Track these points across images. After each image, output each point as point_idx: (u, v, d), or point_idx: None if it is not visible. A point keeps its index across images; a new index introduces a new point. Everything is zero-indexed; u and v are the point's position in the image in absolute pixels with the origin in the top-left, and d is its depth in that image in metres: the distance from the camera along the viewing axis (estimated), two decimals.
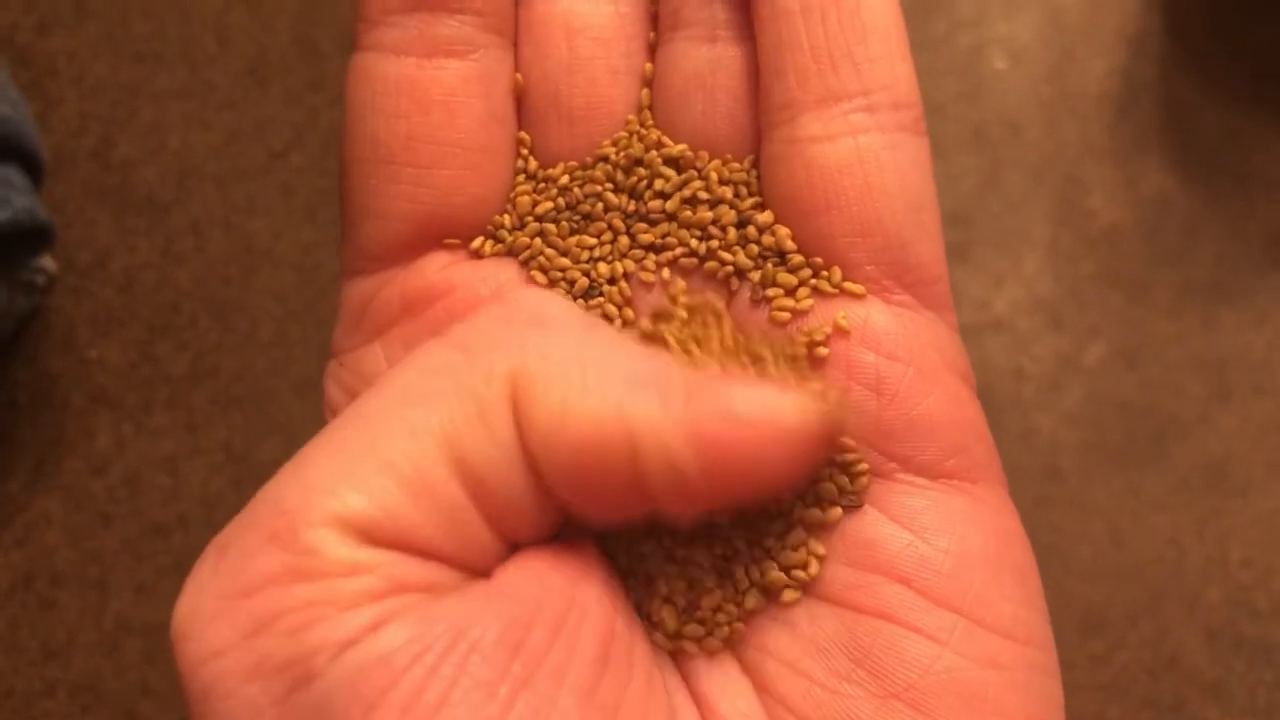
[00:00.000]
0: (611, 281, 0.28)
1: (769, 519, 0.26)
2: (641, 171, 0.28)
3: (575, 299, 0.28)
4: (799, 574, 0.25)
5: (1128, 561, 0.71)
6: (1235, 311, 0.74)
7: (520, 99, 0.28)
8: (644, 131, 0.28)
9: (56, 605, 0.73)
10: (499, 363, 0.23)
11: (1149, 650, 0.70)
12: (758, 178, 0.27)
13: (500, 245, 0.28)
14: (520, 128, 0.29)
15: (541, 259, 0.28)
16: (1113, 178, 0.76)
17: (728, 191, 0.27)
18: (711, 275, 0.27)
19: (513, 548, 0.24)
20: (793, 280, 0.26)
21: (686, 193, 0.27)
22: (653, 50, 0.28)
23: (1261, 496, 0.72)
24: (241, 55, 0.81)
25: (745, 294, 0.27)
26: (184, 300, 0.77)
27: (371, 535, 0.22)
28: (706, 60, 0.27)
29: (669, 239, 0.28)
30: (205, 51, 0.81)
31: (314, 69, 0.81)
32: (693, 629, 0.26)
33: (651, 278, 0.28)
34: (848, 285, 0.26)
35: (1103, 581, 0.71)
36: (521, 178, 0.28)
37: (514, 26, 0.28)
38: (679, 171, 0.28)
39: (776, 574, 0.25)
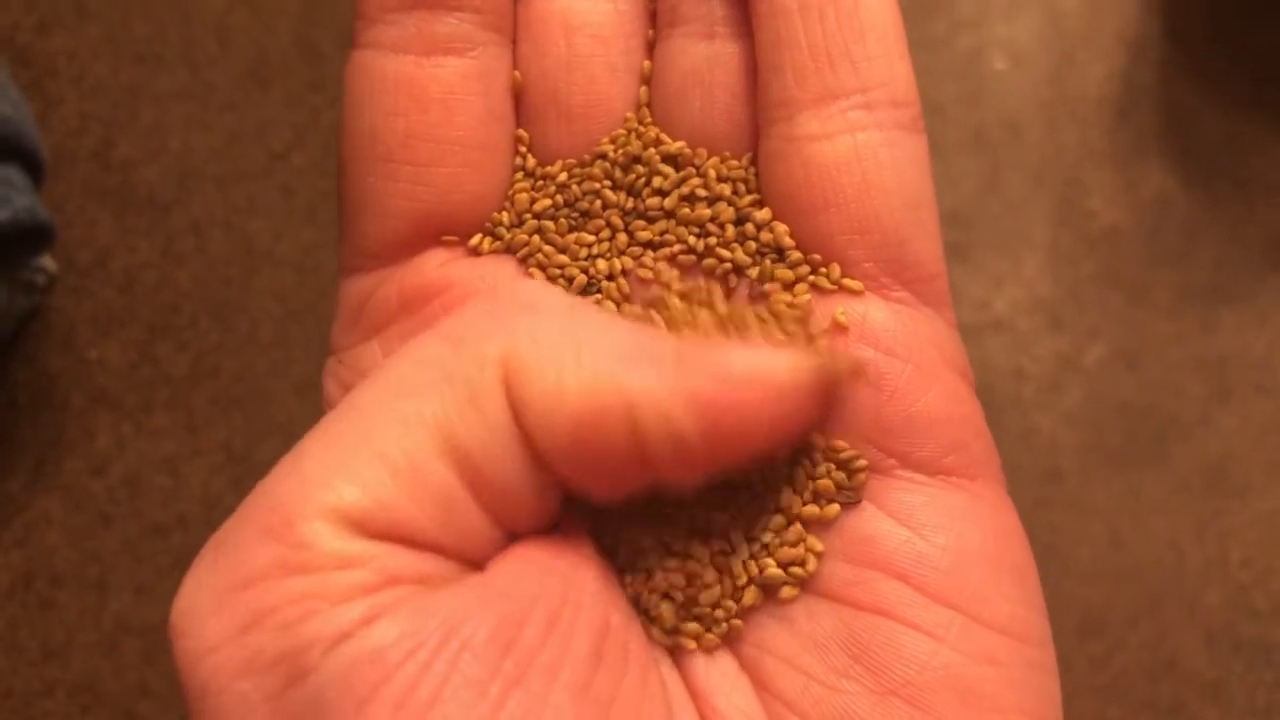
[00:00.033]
0: (610, 278, 0.28)
1: (767, 515, 0.26)
2: (640, 169, 0.28)
3: None
4: (797, 570, 0.25)
5: (1127, 563, 0.71)
6: (1235, 313, 0.74)
7: (519, 96, 0.28)
8: (642, 129, 0.28)
9: (56, 605, 0.73)
10: (490, 349, 0.23)
11: (1148, 652, 0.70)
12: (756, 175, 0.27)
13: (498, 243, 0.28)
14: (519, 125, 0.29)
15: (540, 256, 0.28)
16: (1113, 180, 0.76)
17: (726, 189, 0.27)
18: (710, 272, 0.27)
19: (510, 538, 0.24)
20: (790, 276, 0.27)
21: (685, 190, 0.28)
22: (651, 47, 0.28)
23: (1261, 498, 0.72)
24: (242, 56, 0.81)
25: (743, 291, 0.27)
26: (184, 301, 0.77)
27: (366, 527, 0.22)
28: (705, 57, 0.27)
29: (667, 236, 0.28)
30: (206, 52, 0.81)
31: (315, 70, 0.81)
32: (691, 625, 0.26)
33: (650, 274, 0.28)
34: (846, 282, 0.26)
35: (1102, 583, 0.71)
36: (520, 175, 0.28)
37: (512, 24, 0.28)
38: (677, 169, 0.28)
39: (775, 570, 0.26)
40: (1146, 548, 0.71)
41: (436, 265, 0.28)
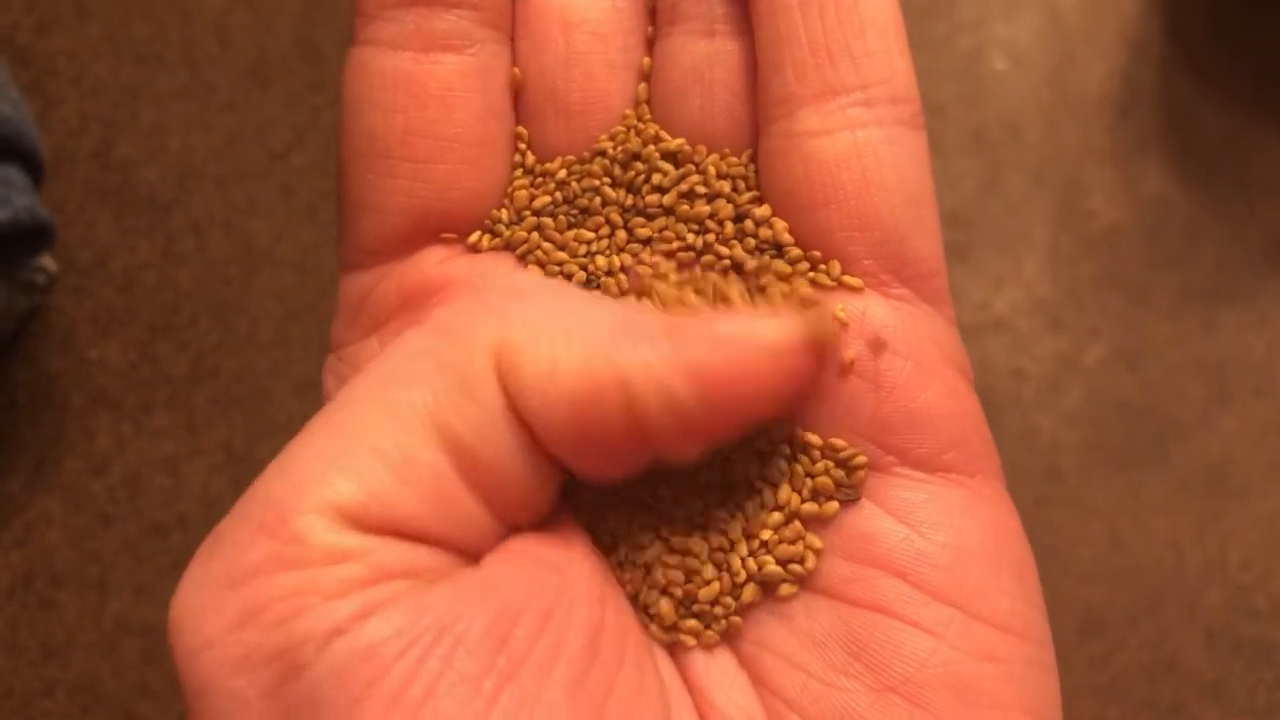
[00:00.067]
0: (609, 275, 0.28)
1: (766, 512, 0.26)
2: (639, 166, 0.28)
3: None
4: (796, 568, 0.25)
5: (1127, 563, 0.71)
6: (1235, 313, 0.74)
7: (518, 94, 0.28)
8: (642, 126, 0.28)
9: (56, 605, 0.73)
10: (480, 337, 0.23)
11: (1148, 652, 0.70)
12: (756, 172, 0.27)
13: (497, 240, 0.28)
14: (518, 122, 0.29)
15: (539, 253, 0.28)
16: (1113, 180, 0.76)
17: (725, 186, 0.27)
18: (708, 269, 0.27)
19: (507, 528, 0.24)
20: (788, 271, 0.27)
21: (684, 187, 0.28)
22: (650, 45, 0.28)
23: (1261, 498, 0.72)
24: (242, 56, 0.81)
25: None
26: (184, 301, 0.77)
27: (361, 520, 0.22)
28: (704, 55, 0.27)
29: (666, 233, 0.28)
30: (206, 52, 0.81)
31: (315, 70, 0.81)
32: (690, 622, 0.26)
33: (648, 271, 0.28)
34: (846, 279, 0.26)
35: (1102, 583, 0.71)
36: (519, 172, 0.28)
37: (511, 21, 0.28)
38: (677, 166, 0.28)
39: (774, 567, 0.26)
40: (1146, 548, 0.71)
41: (436, 262, 0.28)
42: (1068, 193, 0.76)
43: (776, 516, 0.26)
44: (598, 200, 0.28)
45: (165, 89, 0.80)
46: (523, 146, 0.28)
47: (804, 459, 0.26)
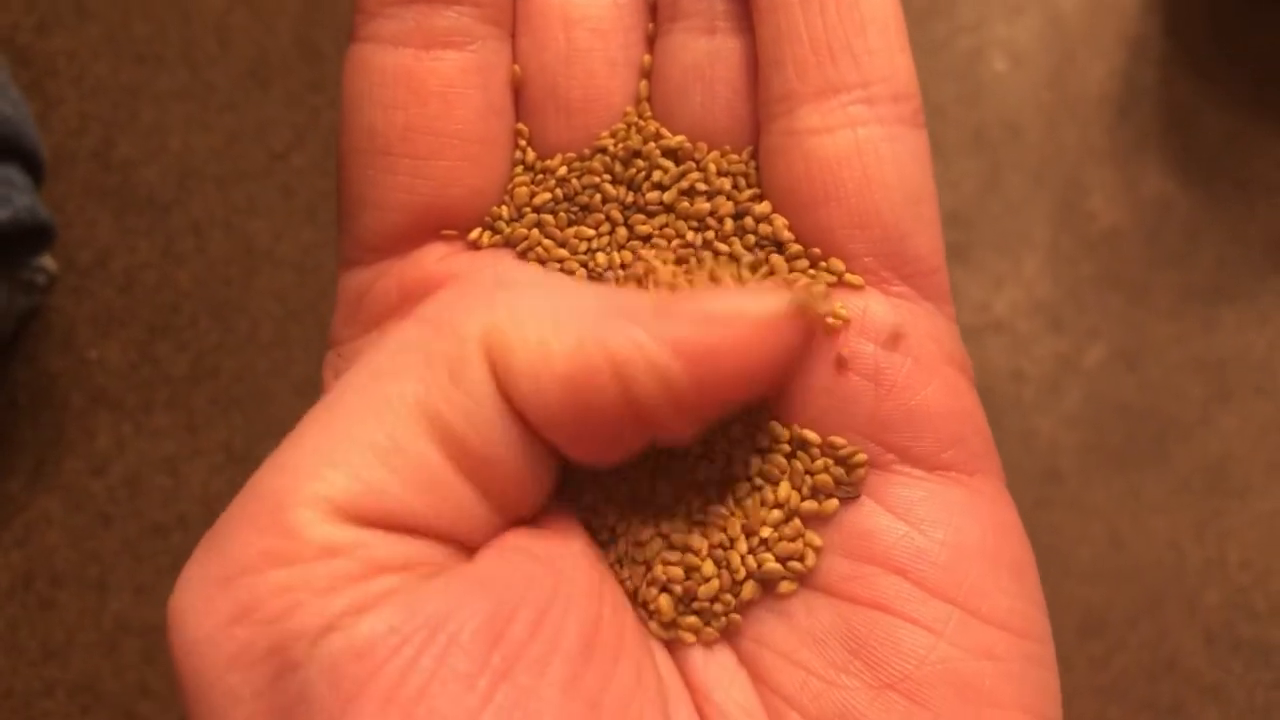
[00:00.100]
0: (610, 271, 0.28)
1: (766, 510, 0.26)
2: (640, 163, 0.28)
3: None
4: (795, 565, 0.25)
5: (1127, 563, 0.71)
6: (1236, 313, 0.74)
7: (518, 90, 0.28)
8: (642, 123, 0.28)
9: (56, 605, 0.73)
10: (468, 326, 0.23)
11: (1148, 652, 0.70)
12: (756, 169, 0.27)
13: (498, 236, 0.28)
14: (518, 119, 0.29)
15: (539, 250, 0.28)
16: (1113, 180, 0.76)
17: (726, 183, 0.27)
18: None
19: (505, 519, 0.24)
20: (787, 268, 0.27)
21: (684, 184, 0.28)
22: (651, 42, 0.28)
23: (1261, 498, 0.72)
24: (242, 56, 0.81)
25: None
26: (184, 301, 0.77)
27: (354, 513, 0.22)
28: (705, 52, 0.27)
29: (667, 230, 0.28)
30: (206, 53, 0.81)
31: (315, 70, 0.81)
32: (690, 619, 0.26)
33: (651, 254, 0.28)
34: (848, 277, 0.26)
35: (1102, 583, 0.71)
36: (519, 169, 0.28)
37: (512, 18, 0.28)
38: (677, 163, 0.28)
39: (773, 565, 0.25)
40: (1146, 548, 0.71)
41: (436, 259, 0.28)
42: (1068, 193, 0.76)
43: (776, 514, 0.26)
44: (598, 197, 0.28)
45: (165, 89, 0.80)
46: (523, 143, 0.28)
47: (803, 456, 0.26)
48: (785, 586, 0.25)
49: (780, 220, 0.27)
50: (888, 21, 0.26)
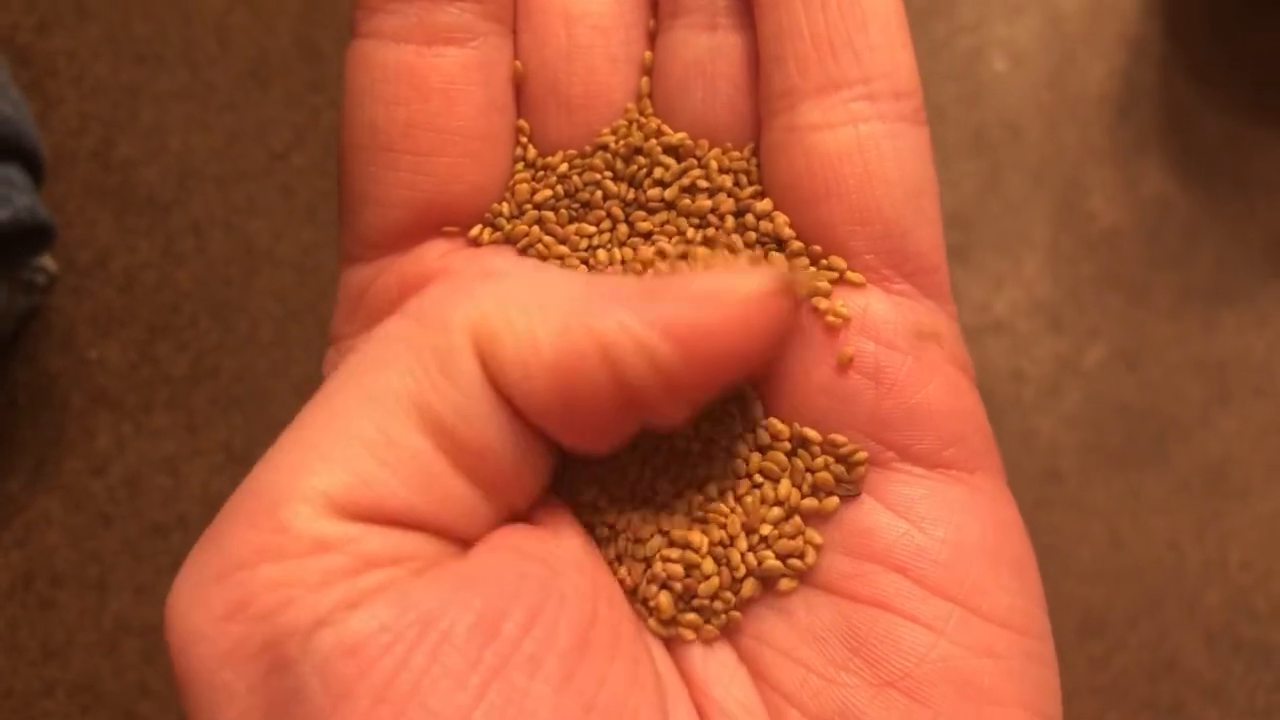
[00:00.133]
0: (610, 268, 0.28)
1: (766, 507, 0.26)
2: (641, 160, 0.28)
3: None
4: (796, 563, 0.25)
5: (1127, 564, 0.71)
6: (1236, 314, 0.74)
7: (519, 87, 0.28)
8: (643, 120, 0.28)
9: (56, 605, 0.73)
10: (456, 317, 0.23)
11: (1148, 652, 0.70)
12: (758, 166, 0.27)
13: (499, 233, 0.28)
14: (519, 116, 0.29)
15: (540, 247, 0.28)
16: (1113, 180, 0.76)
17: (727, 180, 0.27)
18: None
19: (501, 511, 0.24)
20: (786, 264, 0.27)
21: (686, 181, 0.28)
22: (652, 38, 0.28)
23: (1261, 499, 0.72)
24: (243, 56, 0.81)
25: None
26: (184, 301, 0.77)
27: (348, 508, 0.22)
28: (706, 48, 0.27)
29: (668, 227, 0.28)
30: (206, 53, 0.81)
31: (315, 70, 0.81)
32: (690, 616, 0.26)
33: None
34: (849, 275, 0.26)
35: (1102, 584, 0.71)
36: (520, 166, 0.28)
37: (513, 14, 0.28)
38: (679, 160, 0.28)
39: (773, 562, 0.25)
40: (1146, 549, 0.71)
41: (437, 256, 0.28)
42: (1068, 193, 0.76)
43: (776, 511, 0.26)
44: (599, 194, 0.28)
45: (165, 89, 0.80)
46: (524, 140, 0.28)
47: (804, 454, 0.26)
48: (785, 584, 0.25)
49: (781, 217, 0.27)
50: (889, 18, 0.26)
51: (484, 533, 0.24)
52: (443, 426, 0.23)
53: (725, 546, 0.26)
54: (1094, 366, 0.74)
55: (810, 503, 0.26)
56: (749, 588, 0.26)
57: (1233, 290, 0.75)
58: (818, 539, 0.26)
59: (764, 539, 0.26)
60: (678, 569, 0.26)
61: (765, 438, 0.26)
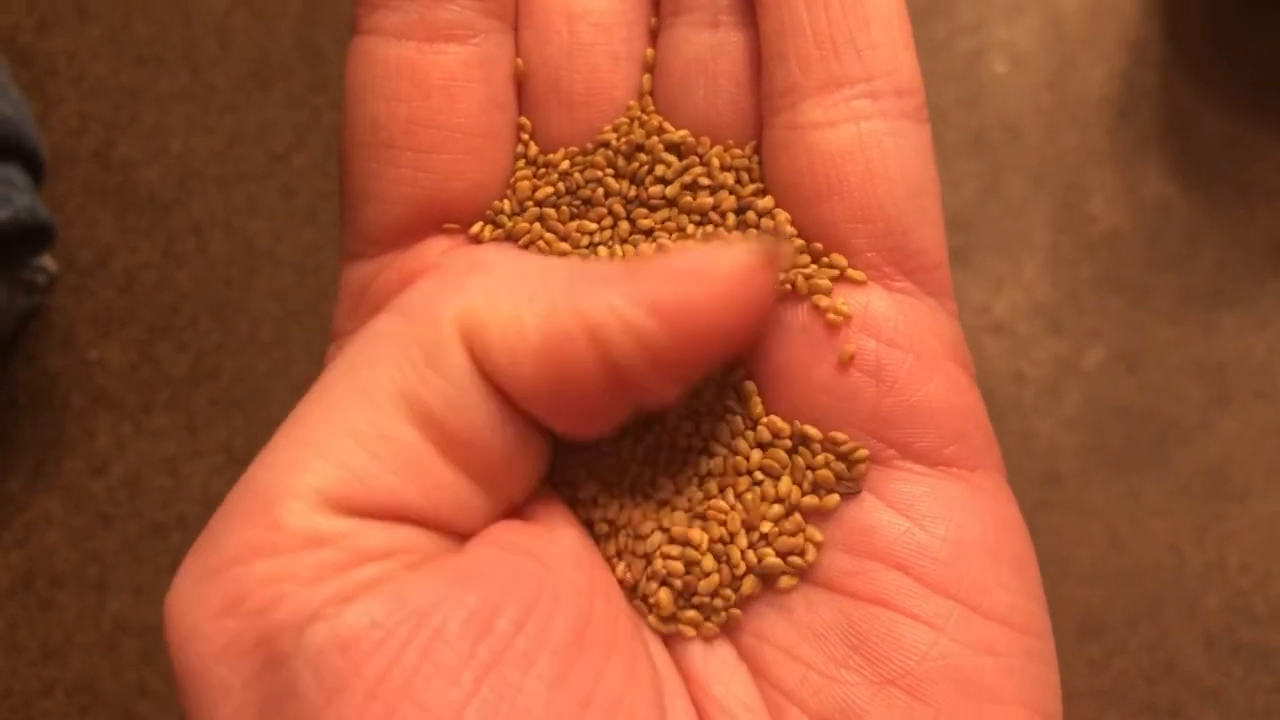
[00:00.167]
0: None
1: (767, 504, 0.26)
2: (643, 157, 0.28)
3: None
4: (796, 560, 0.25)
5: (1126, 566, 0.71)
6: (1236, 316, 0.74)
7: (521, 84, 0.28)
8: (645, 117, 0.28)
9: (55, 605, 0.73)
10: (443, 310, 0.24)
11: (1147, 655, 0.70)
12: (759, 164, 0.27)
13: (500, 230, 0.28)
14: (521, 113, 0.29)
15: (541, 244, 0.28)
16: (1113, 183, 0.77)
17: (729, 178, 0.27)
18: None
19: (497, 503, 0.24)
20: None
21: (687, 178, 0.28)
22: (654, 36, 0.28)
23: (1261, 501, 0.72)
24: (243, 58, 0.81)
25: None
26: (184, 301, 0.77)
27: (342, 503, 0.22)
28: (708, 46, 0.27)
29: (669, 224, 0.28)
30: (207, 53, 0.81)
31: (316, 71, 0.81)
32: (690, 613, 0.26)
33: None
34: (850, 273, 0.26)
35: (1101, 586, 0.71)
36: (522, 163, 0.28)
37: (514, 11, 0.28)
38: (680, 157, 0.28)
39: (774, 560, 0.25)
40: (1146, 551, 0.71)
41: (438, 252, 0.28)
42: (1068, 195, 0.76)
43: (777, 509, 0.26)
44: (600, 191, 0.28)
45: (166, 90, 0.80)
46: (525, 137, 0.28)
47: (805, 452, 0.26)
48: (786, 581, 0.25)
49: (783, 215, 0.27)
50: (891, 17, 0.26)
51: (481, 527, 0.24)
52: (432, 417, 0.23)
53: (725, 543, 0.26)
54: (1094, 368, 0.74)
55: (811, 500, 0.26)
56: (749, 585, 0.26)
57: (1233, 292, 0.75)
58: (818, 536, 0.26)
59: (764, 536, 0.26)
60: (678, 566, 0.26)
61: (766, 435, 0.26)
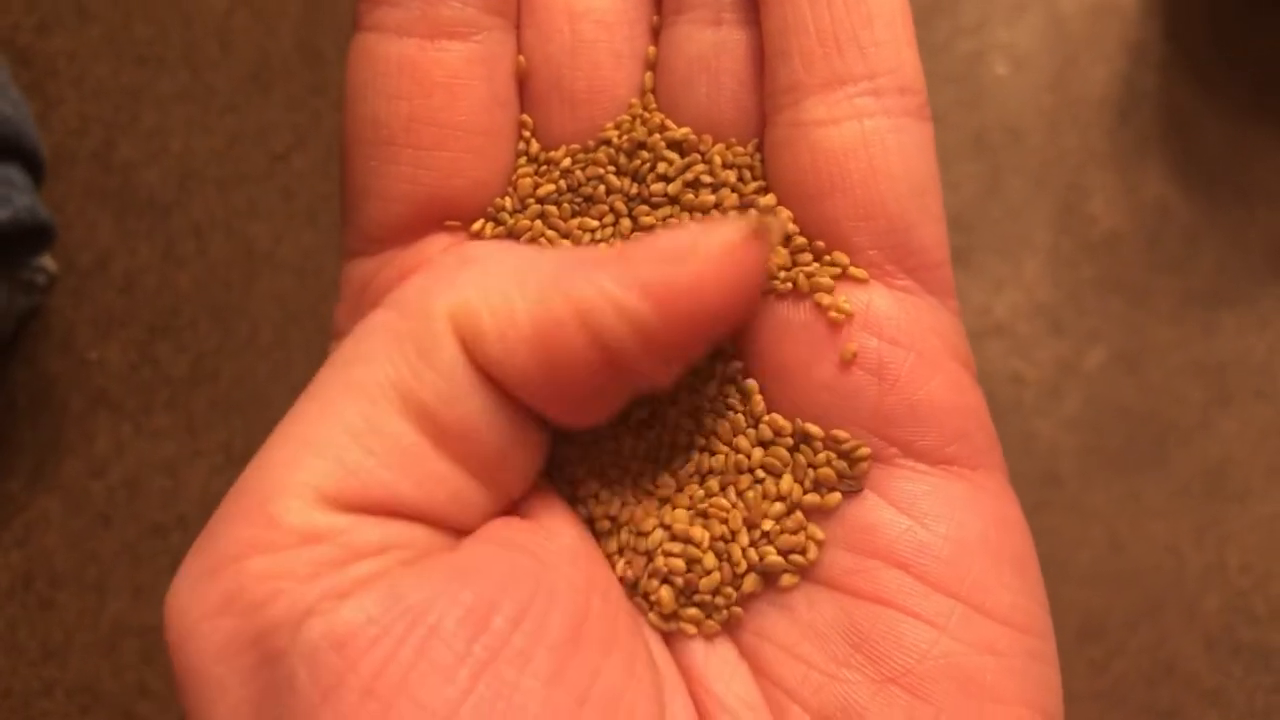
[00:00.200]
0: None
1: (768, 502, 0.26)
2: (644, 155, 0.28)
3: None
4: (797, 558, 0.25)
5: (1126, 567, 0.71)
6: (1236, 317, 0.74)
7: (523, 82, 0.28)
8: (647, 115, 0.28)
9: (55, 606, 0.73)
10: (435, 304, 0.24)
11: (1147, 657, 0.70)
12: (762, 162, 0.27)
13: (501, 228, 0.28)
14: (522, 110, 0.29)
15: (542, 241, 0.28)
16: (1113, 184, 0.76)
17: (731, 175, 0.27)
18: None
19: (496, 497, 0.24)
20: (789, 261, 0.26)
21: (689, 176, 0.28)
22: (656, 33, 0.28)
23: (1261, 502, 0.72)
24: (244, 59, 0.81)
25: None
26: (184, 303, 0.77)
27: (338, 499, 0.22)
28: (711, 43, 0.27)
29: (671, 221, 0.28)
30: (207, 55, 0.81)
31: (316, 73, 0.81)
32: (691, 611, 0.26)
33: None
34: (852, 271, 0.26)
35: (1101, 587, 0.71)
36: (523, 160, 0.28)
37: (516, 9, 0.28)
38: (682, 155, 0.28)
39: (775, 558, 0.25)
40: (1146, 552, 0.71)
41: (439, 250, 0.28)
42: (1068, 197, 0.76)
43: (778, 507, 0.26)
44: (602, 189, 0.28)
45: (166, 91, 0.80)
46: (527, 135, 0.28)
47: (806, 450, 0.26)
48: (787, 580, 0.25)
49: (785, 213, 0.27)
50: (894, 15, 0.26)
51: (478, 522, 0.24)
52: (425, 411, 0.23)
53: (727, 541, 0.26)
54: (1094, 369, 0.74)
55: (812, 498, 0.26)
56: (750, 583, 0.26)
57: (1233, 293, 0.75)
58: (820, 534, 0.26)
59: (766, 534, 0.26)
60: (679, 563, 0.26)
61: (768, 433, 0.26)
